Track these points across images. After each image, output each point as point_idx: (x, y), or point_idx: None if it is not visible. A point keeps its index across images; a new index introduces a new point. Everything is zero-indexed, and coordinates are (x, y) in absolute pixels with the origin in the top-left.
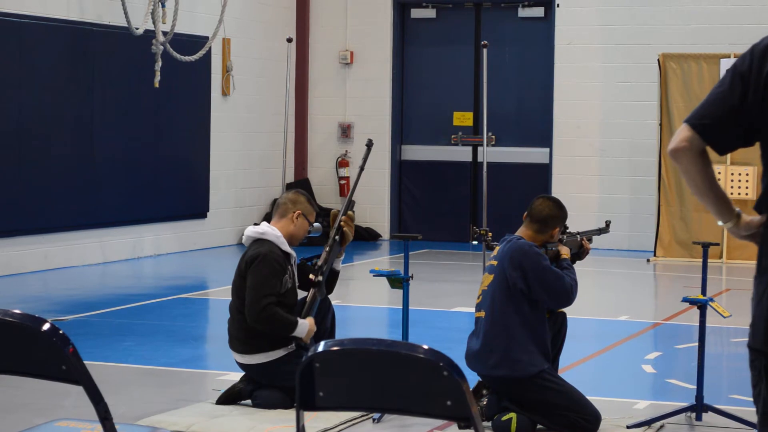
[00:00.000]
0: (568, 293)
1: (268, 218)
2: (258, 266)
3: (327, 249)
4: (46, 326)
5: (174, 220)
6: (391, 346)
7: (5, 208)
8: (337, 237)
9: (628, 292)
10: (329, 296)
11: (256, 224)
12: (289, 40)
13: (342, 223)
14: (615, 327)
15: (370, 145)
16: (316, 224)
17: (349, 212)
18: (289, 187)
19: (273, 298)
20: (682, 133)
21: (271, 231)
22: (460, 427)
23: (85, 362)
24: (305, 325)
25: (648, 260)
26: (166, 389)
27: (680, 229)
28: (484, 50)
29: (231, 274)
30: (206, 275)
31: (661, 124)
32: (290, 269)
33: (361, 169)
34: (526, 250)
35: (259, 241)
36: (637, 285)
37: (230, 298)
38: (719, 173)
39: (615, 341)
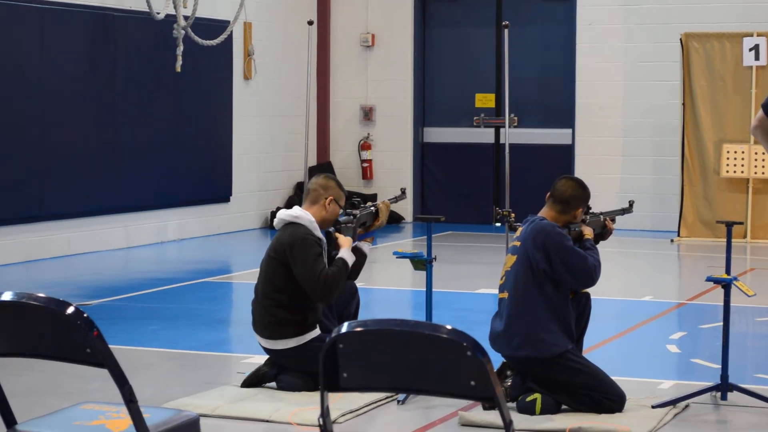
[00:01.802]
0: (591, 274)
1: (291, 202)
2: (303, 250)
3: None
4: (70, 310)
5: (197, 204)
6: (415, 326)
7: (29, 195)
8: (373, 208)
9: (652, 273)
10: (355, 282)
11: (286, 208)
12: (310, 23)
13: (380, 203)
14: (639, 307)
15: (403, 193)
16: (343, 217)
17: (387, 201)
18: (311, 170)
19: (325, 269)
20: (757, 114)
21: (305, 215)
22: (484, 408)
23: (110, 346)
24: (346, 252)
25: (672, 240)
26: (191, 372)
27: (704, 209)
28: (506, 31)
29: (255, 258)
30: (230, 259)
31: (684, 104)
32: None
33: (392, 202)
34: (549, 230)
35: (293, 225)
36: (661, 265)
37: (254, 281)
38: (743, 152)
39: (639, 321)
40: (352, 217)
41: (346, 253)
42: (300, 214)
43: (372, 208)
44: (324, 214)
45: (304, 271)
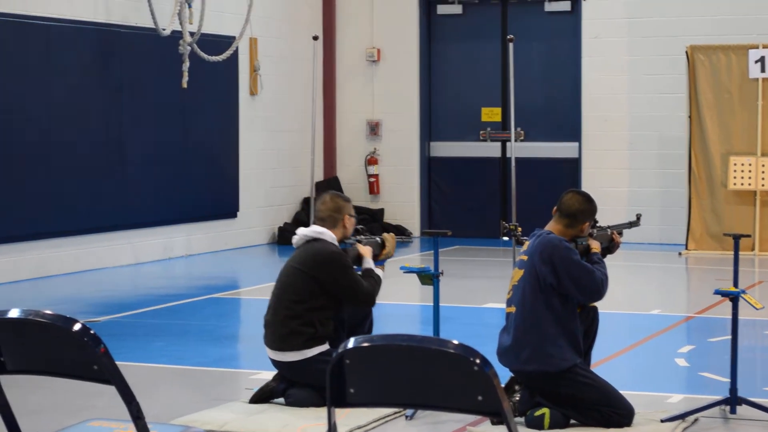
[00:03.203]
0: (598, 288)
1: (298, 217)
2: (341, 262)
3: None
4: (77, 326)
5: (204, 220)
6: (421, 341)
7: (37, 211)
8: (378, 239)
9: (660, 286)
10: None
11: (294, 223)
12: (315, 38)
13: (385, 235)
14: (647, 321)
15: (409, 236)
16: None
17: (392, 234)
18: (318, 186)
19: (362, 280)
20: None
21: (328, 233)
22: (493, 423)
23: (118, 363)
24: (369, 263)
25: (680, 253)
26: (199, 389)
27: (712, 222)
28: (511, 45)
29: (262, 273)
30: (237, 275)
31: (690, 117)
32: None
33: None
34: (555, 244)
35: (318, 240)
36: (669, 278)
37: (262, 297)
38: (750, 164)
39: (648, 335)
40: (355, 239)
41: (370, 263)
42: (323, 230)
43: (378, 239)
44: (344, 231)
45: (347, 283)
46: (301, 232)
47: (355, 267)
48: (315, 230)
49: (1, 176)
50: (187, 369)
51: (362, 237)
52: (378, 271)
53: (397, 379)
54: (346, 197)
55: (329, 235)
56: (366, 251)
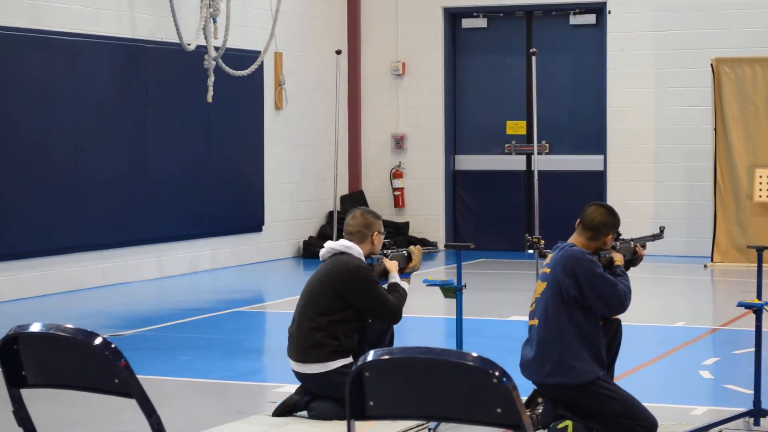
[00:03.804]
0: (621, 300)
1: (323, 231)
2: (367, 277)
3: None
4: (98, 340)
5: (230, 234)
6: (440, 354)
7: (63, 226)
8: (405, 252)
9: (685, 298)
10: None
11: (319, 237)
12: (338, 53)
13: (413, 248)
14: (672, 333)
15: (435, 245)
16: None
17: (419, 247)
18: (343, 199)
19: (389, 295)
20: None
21: (354, 246)
22: None
23: (143, 376)
24: (396, 277)
25: (705, 266)
26: (223, 402)
27: (737, 234)
28: (533, 58)
29: (287, 287)
30: (262, 289)
31: (715, 129)
32: None
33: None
34: (578, 257)
35: (345, 254)
36: (694, 291)
37: (286, 311)
38: (760, 177)
39: (672, 347)
40: (381, 254)
41: (397, 278)
42: (350, 245)
43: (404, 251)
44: (372, 247)
45: (373, 298)
46: (329, 245)
47: (381, 281)
48: (342, 244)
49: (28, 191)
50: (212, 382)
51: (389, 251)
52: (404, 284)
53: (417, 391)
54: (377, 214)
55: (356, 250)
56: (392, 266)
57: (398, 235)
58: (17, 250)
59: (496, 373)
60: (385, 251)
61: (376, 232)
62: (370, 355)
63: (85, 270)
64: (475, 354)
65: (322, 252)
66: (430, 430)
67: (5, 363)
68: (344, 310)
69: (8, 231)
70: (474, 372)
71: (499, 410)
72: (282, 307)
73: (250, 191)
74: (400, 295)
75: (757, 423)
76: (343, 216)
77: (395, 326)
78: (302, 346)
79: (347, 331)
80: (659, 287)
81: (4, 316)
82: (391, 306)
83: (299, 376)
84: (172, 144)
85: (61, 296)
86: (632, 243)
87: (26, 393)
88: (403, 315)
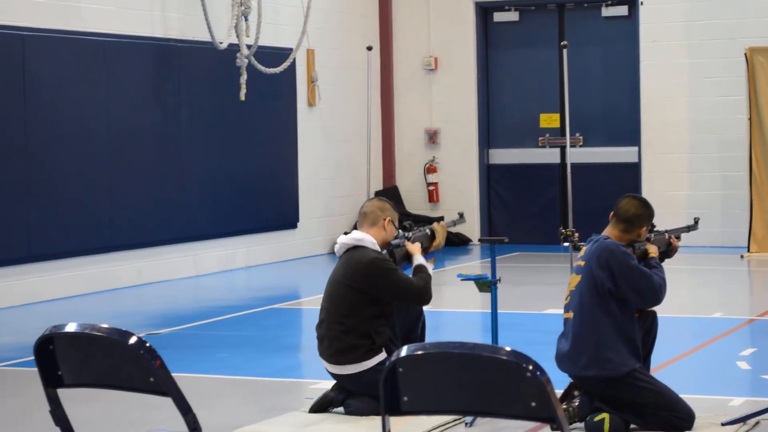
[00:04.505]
0: (656, 292)
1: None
2: (383, 267)
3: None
4: (132, 340)
5: (265, 231)
6: (473, 348)
7: (100, 225)
8: (428, 230)
9: (722, 289)
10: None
11: (346, 233)
12: (369, 48)
13: (435, 225)
14: (709, 324)
15: (461, 216)
16: (396, 240)
17: (443, 223)
18: (377, 194)
19: (412, 280)
20: None
21: (367, 237)
22: (552, 429)
23: (179, 374)
24: (420, 258)
25: (742, 256)
26: (260, 399)
27: None
28: (565, 51)
29: (323, 284)
30: (298, 285)
31: (750, 119)
32: None
33: (450, 227)
34: (613, 249)
35: (358, 249)
36: (731, 281)
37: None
38: None
39: (709, 338)
40: (404, 239)
41: (421, 259)
42: (362, 237)
43: (426, 230)
44: (384, 234)
45: (395, 287)
46: (341, 241)
47: (405, 265)
48: (354, 237)
49: (64, 191)
50: (248, 380)
51: (410, 233)
52: (428, 265)
53: (450, 386)
54: (394, 206)
55: (369, 241)
56: (415, 248)
57: None
58: (53, 250)
59: (530, 367)
60: (406, 233)
61: (389, 219)
62: (404, 351)
63: (121, 269)
64: (508, 348)
65: (336, 248)
66: (466, 424)
67: (41, 363)
68: (370, 306)
69: (44, 231)
70: (508, 366)
71: (533, 404)
72: (317, 303)
73: (284, 188)
74: (425, 275)
75: None
76: None
77: (429, 320)
78: (335, 349)
79: (377, 327)
80: (695, 278)
81: (41, 317)
82: (417, 289)
83: (335, 376)
84: (206, 143)
85: (98, 296)
86: (667, 234)
87: (63, 393)
88: (439, 310)
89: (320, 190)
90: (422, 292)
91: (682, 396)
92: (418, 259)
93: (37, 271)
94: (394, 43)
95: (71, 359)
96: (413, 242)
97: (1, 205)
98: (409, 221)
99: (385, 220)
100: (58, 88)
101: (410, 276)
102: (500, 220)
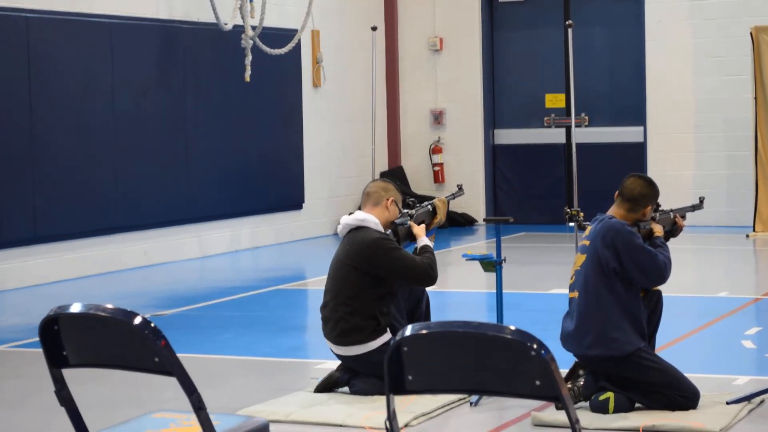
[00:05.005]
0: (661, 271)
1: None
2: (385, 246)
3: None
4: (137, 320)
5: (270, 212)
6: (478, 327)
7: (105, 207)
8: (429, 206)
9: (727, 268)
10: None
11: (349, 213)
12: (374, 29)
13: (436, 201)
14: (714, 303)
15: (460, 189)
16: (400, 218)
17: (444, 198)
18: (383, 175)
19: (416, 259)
20: None
21: (370, 218)
22: (557, 408)
23: (186, 355)
24: (425, 240)
25: (747, 236)
26: (265, 379)
27: None
28: (570, 31)
29: (328, 264)
30: (303, 266)
31: (756, 98)
32: None
33: (450, 199)
34: (618, 228)
35: (361, 229)
36: (736, 261)
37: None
38: None
39: (715, 317)
40: (408, 217)
41: (426, 240)
42: (365, 217)
43: (428, 206)
44: (386, 215)
45: (399, 266)
46: (344, 221)
47: (408, 243)
48: (357, 218)
49: (70, 173)
50: (254, 360)
51: (412, 211)
52: (430, 243)
53: (455, 365)
54: (400, 188)
55: (372, 221)
56: (420, 230)
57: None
58: (59, 231)
59: (534, 346)
60: (410, 211)
61: (392, 200)
62: (408, 330)
63: (127, 250)
64: (512, 327)
65: (339, 228)
66: (471, 403)
67: (46, 344)
68: (375, 287)
69: (50, 213)
70: (512, 345)
71: (537, 383)
72: (322, 284)
73: (289, 169)
74: (430, 255)
75: None
76: None
77: (434, 300)
78: (340, 330)
79: (382, 308)
80: (701, 258)
81: (47, 298)
82: (422, 268)
83: (340, 357)
84: (211, 124)
85: (104, 277)
86: (672, 214)
87: (68, 373)
88: (444, 290)
89: (325, 171)
90: (428, 271)
91: (687, 375)
92: (423, 240)
93: (43, 253)
94: (399, 24)
95: (76, 339)
96: (417, 220)
97: (7, 187)
98: (412, 198)
99: (388, 200)
100: (62, 69)
101: (414, 256)
102: (505, 200)
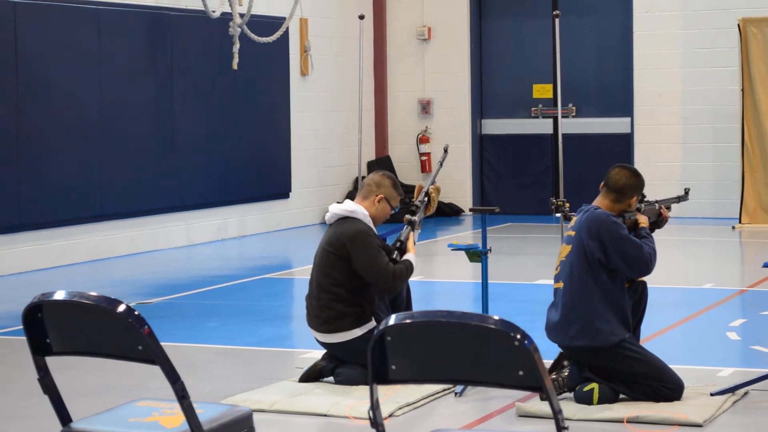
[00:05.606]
0: (646, 262)
1: (350, 197)
2: (365, 244)
3: (419, 203)
4: (121, 308)
5: (257, 201)
6: (461, 317)
7: (92, 195)
8: (425, 199)
9: (713, 260)
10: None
11: (339, 202)
12: (361, 17)
13: (431, 189)
14: (700, 295)
15: (446, 151)
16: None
17: (437, 185)
18: (370, 165)
19: (390, 262)
20: None
21: (360, 209)
22: (542, 399)
23: (171, 343)
24: (412, 257)
25: (733, 227)
26: (250, 368)
27: (765, 196)
28: (557, 21)
29: (314, 253)
30: (290, 255)
31: (743, 90)
32: None
33: (440, 166)
34: (603, 219)
35: (348, 219)
36: (722, 252)
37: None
38: None
39: (700, 309)
40: (409, 228)
41: (412, 257)
42: (354, 208)
43: (426, 199)
44: (373, 210)
45: (368, 264)
46: (333, 209)
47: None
48: (346, 208)
49: (56, 160)
50: (239, 349)
51: (416, 218)
52: (413, 259)
53: (438, 355)
54: (398, 187)
55: (361, 213)
56: (412, 249)
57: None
58: (45, 219)
59: (518, 336)
60: (413, 218)
61: (382, 197)
62: (392, 320)
63: (114, 238)
64: (496, 317)
65: (327, 216)
66: (456, 394)
67: (30, 331)
68: (359, 276)
69: (36, 200)
70: (495, 335)
71: (521, 373)
72: (308, 273)
73: (276, 158)
74: (404, 268)
75: None
76: None
77: (419, 290)
78: (324, 318)
79: (367, 296)
80: (687, 249)
81: (32, 286)
82: (389, 276)
83: (325, 345)
84: (198, 111)
85: (90, 265)
86: (657, 205)
87: (51, 361)
88: (430, 280)
89: (312, 160)
90: (392, 282)
91: (671, 366)
92: (410, 255)
93: (28, 240)
94: (388, 13)
95: (60, 327)
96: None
97: None
98: (414, 205)
99: (377, 196)
100: (49, 56)
101: (389, 263)
102: (492, 190)
